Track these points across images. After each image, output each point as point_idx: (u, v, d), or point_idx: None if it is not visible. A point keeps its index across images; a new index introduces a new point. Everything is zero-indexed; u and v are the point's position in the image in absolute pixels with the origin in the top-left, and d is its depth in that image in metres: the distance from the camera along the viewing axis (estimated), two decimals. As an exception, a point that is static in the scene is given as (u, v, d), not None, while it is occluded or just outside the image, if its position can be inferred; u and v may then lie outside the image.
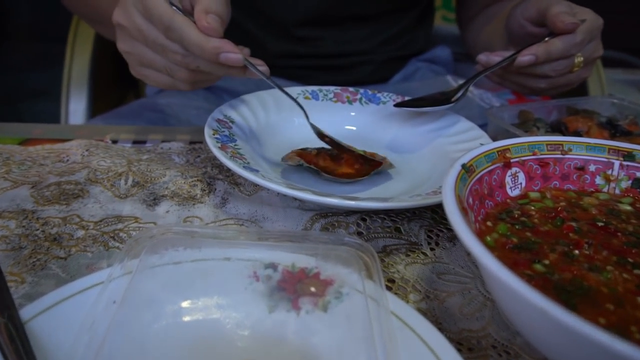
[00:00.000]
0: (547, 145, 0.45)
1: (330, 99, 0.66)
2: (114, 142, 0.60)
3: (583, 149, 0.45)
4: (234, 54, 0.48)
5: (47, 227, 0.44)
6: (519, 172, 0.44)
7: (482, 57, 0.61)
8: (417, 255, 0.44)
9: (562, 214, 0.41)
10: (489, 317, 0.38)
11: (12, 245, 0.41)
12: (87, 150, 0.56)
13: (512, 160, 0.44)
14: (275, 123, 0.61)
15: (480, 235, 0.38)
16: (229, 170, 0.54)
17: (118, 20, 0.51)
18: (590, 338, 0.23)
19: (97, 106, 1.06)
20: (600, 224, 0.39)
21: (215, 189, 0.51)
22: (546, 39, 0.59)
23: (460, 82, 0.99)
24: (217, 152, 0.47)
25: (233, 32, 0.90)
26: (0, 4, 1.85)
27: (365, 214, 0.49)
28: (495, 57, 0.60)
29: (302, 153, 0.55)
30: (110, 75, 1.22)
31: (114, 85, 1.26)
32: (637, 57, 1.71)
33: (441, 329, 0.37)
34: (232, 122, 0.56)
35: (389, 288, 0.40)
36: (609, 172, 0.45)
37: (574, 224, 0.39)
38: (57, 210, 0.46)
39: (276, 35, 0.86)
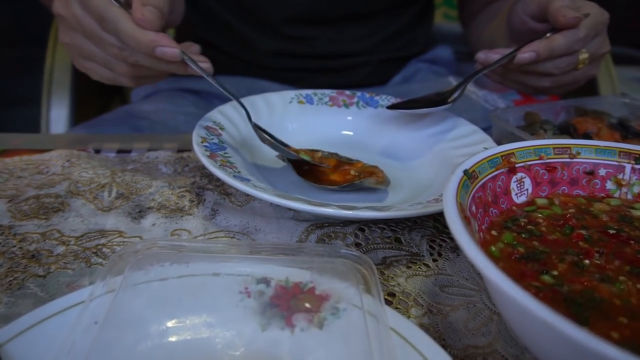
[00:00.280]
0: (554, 148, 0.45)
1: (326, 102, 0.66)
2: (97, 151, 0.60)
3: (592, 152, 0.45)
4: (171, 48, 0.49)
5: (24, 244, 0.44)
6: (524, 177, 0.44)
7: (481, 55, 0.61)
8: (419, 267, 0.44)
9: (571, 221, 0.41)
10: (496, 332, 0.38)
11: (-12, 263, 0.41)
12: (68, 161, 0.56)
13: (517, 165, 0.44)
14: (268, 129, 0.61)
15: (485, 245, 0.38)
16: (218, 180, 0.54)
17: (58, 11, 0.52)
18: (603, 355, 0.23)
19: (80, 113, 1.06)
20: (611, 231, 0.39)
21: (205, 200, 0.51)
22: (548, 34, 0.59)
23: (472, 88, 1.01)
24: (205, 161, 0.47)
25: (220, 29, 0.91)
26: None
27: (363, 224, 0.49)
28: (494, 55, 0.60)
29: (299, 151, 0.55)
30: (94, 80, 1.23)
31: (98, 91, 1.26)
32: (650, 54, 1.73)
33: (445, 345, 0.36)
34: (222, 128, 0.56)
35: (389, 302, 0.40)
36: (620, 176, 0.45)
37: (584, 231, 0.39)
38: (35, 225, 0.46)
39: (265, 33, 0.86)
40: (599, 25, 0.60)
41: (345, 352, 0.32)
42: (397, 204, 0.49)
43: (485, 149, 0.54)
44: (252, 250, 0.40)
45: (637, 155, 0.45)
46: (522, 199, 0.44)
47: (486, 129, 0.63)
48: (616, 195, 0.45)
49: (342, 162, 0.54)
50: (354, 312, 0.34)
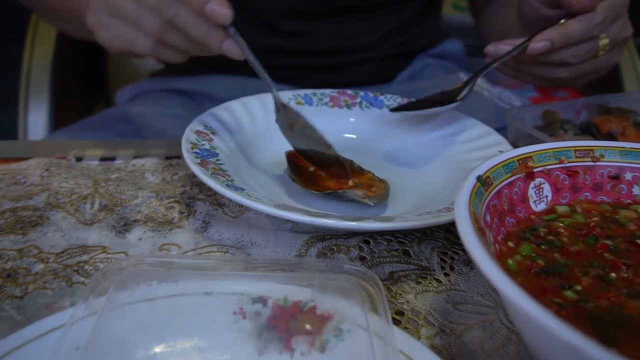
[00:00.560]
0: (575, 151, 0.45)
1: (326, 103, 0.66)
2: (79, 159, 0.60)
3: (617, 155, 0.45)
4: (223, 8, 0.48)
5: (0, 262, 0.43)
6: (543, 183, 0.44)
7: (490, 48, 0.61)
8: (430, 283, 0.44)
9: (595, 230, 0.40)
10: (515, 354, 0.37)
11: (-40, 283, 0.41)
12: (47, 170, 0.55)
13: (535, 170, 0.43)
14: (264, 132, 0.61)
15: (501, 258, 0.38)
16: (210, 189, 0.54)
17: None
18: (631, 379, 0.23)
19: (61, 117, 1.06)
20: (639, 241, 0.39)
21: (196, 211, 0.51)
22: (562, 21, 0.59)
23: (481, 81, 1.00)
24: (196, 169, 0.47)
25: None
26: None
27: (368, 236, 0.48)
28: (505, 46, 0.60)
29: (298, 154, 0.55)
30: (76, 81, 1.23)
31: (80, 93, 1.27)
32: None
33: (459, 368, 0.36)
34: (214, 133, 0.56)
35: (397, 322, 0.40)
36: (648, 180, 0.45)
37: (609, 242, 0.39)
38: (11, 241, 0.46)
39: (260, 28, 0.86)
40: (619, 7, 0.60)
41: (349, 378, 0.32)
42: (404, 214, 0.49)
43: (500, 152, 0.54)
44: (247, 266, 0.40)
45: (667, 158, 0.45)
46: (541, 206, 0.43)
47: (500, 130, 0.63)
48: (644, 201, 0.45)
49: (352, 171, 0.54)
50: (359, 333, 0.34)
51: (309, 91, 0.66)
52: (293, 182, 0.52)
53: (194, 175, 0.55)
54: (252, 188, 0.50)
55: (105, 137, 0.79)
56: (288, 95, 0.65)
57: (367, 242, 0.48)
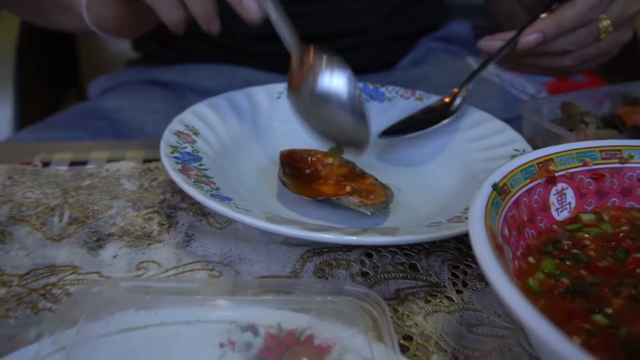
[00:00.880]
0: (601, 152, 0.44)
1: (321, 96, 0.64)
2: (45, 164, 0.58)
3: (648, 155, 0.44)
4: None
5: (-43, 285, 0.42)
6: (566, 188, 0.42)
7: (482, 44, 0.60)
8: (440, 301, 0.42)
9: (625, 242, 0.39)
10: (537, 384, 0.36)
11: None
12: (9, 179, 0.54)
13: (557, 174, 0.42)
14: (253, 131, 0.59)
15: (521, 276, 0.36)
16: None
17: None
18: None
19: (27, 112, 1.04)
20: (676, 254, 0.38)
21: (177, 223, 0.50)
22: (553, 6, 0.58)
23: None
24: (176, 177, 0.45)
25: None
26: None
27: (371, 248, 0.47)
28: (495, 43, 0.59)
29: (296, 153, 0.54)
30: (43, 71, 1.21)
31: (49, 85, 1.25)
32: None
33: (475, 402, 0.35)
34: (196, 133, 0.54)
35: (405, 348, 0.38)
36: (684, 183, 0.43)
37: (641, 255, 0.38)
38: (-30, 261, 0.44)
39: None
40: None
41: (353, 419, 0.31)
42: (409, 224, 0.47)
43: (516, 151, 0.53)
44: (236, 289, 0.38)
45: None
46: (563, 215, 0.42)
47: (514, 120, 0.61)
48: (679, 207, 0.43)
49: (352, 174, 0.53)
50: (363, 367, 0.33)
51: (302, 83, 0.64)
52: (284, 186, 0.50)
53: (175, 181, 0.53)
54: (241, 196, 0.49)
55: (76, 136, 0.77)
56: (278, 89, 0.63)
57: (369, 255, 0.47)
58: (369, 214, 0.47)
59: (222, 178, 0.50)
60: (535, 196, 0.41)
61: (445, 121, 0.57)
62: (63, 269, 0.44)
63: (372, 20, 0.90)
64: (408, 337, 0.39)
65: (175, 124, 0.54)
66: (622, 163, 0.43)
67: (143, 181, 0.56)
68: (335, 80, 0.52)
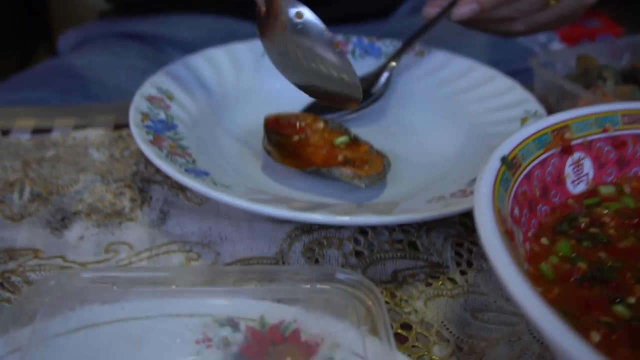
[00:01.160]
0: (622, 116, 0.41)
1: (311, 52, 0.61)
2: (5, 133, 0.56)
3: (675, 118, 0.41)
4: None
5: None
6: (584, 158, 0.40)
7: (426, 10, 0.59)
8: (442, 284, 0.41)
9: (650, 218, 0.37)
10: (550, 378, 0.34)
11: None
12: (-36, 150, 0.51)
13: (573, 143, 0.39)
14: (234, 94, 0.57)
15: (533, 261, 0.34)
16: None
17: None
18: None
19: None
20: None
21: (151, 198, 0.47)
22: None
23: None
24: (147, 150, 0.43)
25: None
26: None
27: (365, 225, 0.45)
28: (433, 10, 0.58)
29: (283, 118, 0.52)
30: (10, 23, 1.16)
31: (17, 38, 1.20)
32: None
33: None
34: (170, 98, 0.51)
35: (403, 339, 0.37)
36: None
37: (667, 234, 0.36)
38: None
39: None
40: None
41: None
42: (409, 198, 0.45)
43: (527, 113, 0.50)
44: (214, 277, 0.36)
45: None
46: (580, 187, 0.40)
47: (523, 72, 0.58)
48: None
49: (350, 141, 0.50)
50: (355, 366, 0.31)
51: (289, 38, 0.61)
52: (269, 155, 0.48)
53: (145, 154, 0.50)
54: (221, 168, 0.46)
55: (43, 98, 0.74)
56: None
57: (364, 233, 0.44)
58: (364, 186, 0.45)
59: (199, 148, 0.47)
60: (549, 168, 0.38)
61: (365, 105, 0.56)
62: (23, 253, 0.42)
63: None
64: (406, 326, 0.37)
65: (147, 88, 0.51)
66: (647, 128, 0.41)
67: (114, 150, 0.53)
68: (307, 17, 0.48)
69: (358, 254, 0.43)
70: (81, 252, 0.42)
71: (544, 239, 0.36)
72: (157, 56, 0.85)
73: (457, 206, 0.39)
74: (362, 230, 0.45)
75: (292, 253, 0.43)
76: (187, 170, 0.41)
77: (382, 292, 0.39)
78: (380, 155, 0.48)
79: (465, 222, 0.46)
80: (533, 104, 0.51)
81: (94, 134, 0.55)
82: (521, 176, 0.36)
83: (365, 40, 0.62)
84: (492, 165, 0.34)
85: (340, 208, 0.40)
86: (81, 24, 0.96)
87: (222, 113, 0.54)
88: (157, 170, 0.50)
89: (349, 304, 0.34)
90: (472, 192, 0.41)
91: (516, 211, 0.35)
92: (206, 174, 0.42)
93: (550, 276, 0.33)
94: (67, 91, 0.77)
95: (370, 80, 0.57)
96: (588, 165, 0.40)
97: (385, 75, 0.57)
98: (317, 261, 0.42)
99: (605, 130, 0.40)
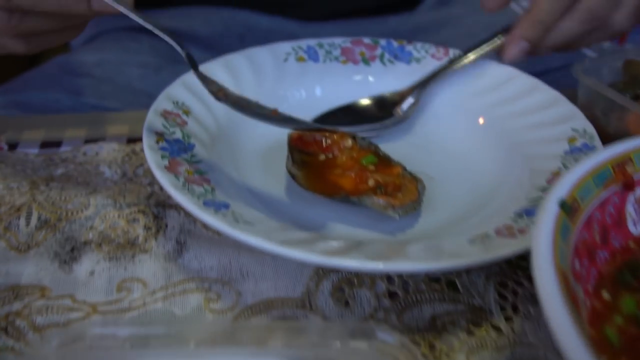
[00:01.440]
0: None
1: (336, 58, 0.57)
2: (12, 146, 0.52)
3: None
4: None
5: None
6: (646, 195, 0.36)
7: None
8: (486, 332, 0.37)
9: None
10: None
11: None
12: (-33, 169, 0.48)
13: (635, 177, 0.35)
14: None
15: (595, 323, 0.30)
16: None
17: None
18: None
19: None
20: None
21: (167, 226, 0.44)
22: None
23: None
24: (163, 179, 0.39)
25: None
26: None
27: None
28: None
29: (308, 135, 0.48)
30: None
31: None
32: None
33: None
34: (187, 112, 0.48)
35: (445, 400, 0.33)
36: None
37: None
38: None
39: None
40: None
41: None
42: (447, 231, 0.41)
43: (574, 131, 0.46)
44: (236, 332, 0.32)
45: None
46: (642, 228, 0.36)
47: (543, 74, 0.54)
48: None
49: (380, 161, 0.46)
50: None
51: (313, 42, 0.57)
52: (293, 180, 0.44)
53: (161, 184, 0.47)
54: (241, 196, 0.42)
55: (54, 98, 0.71)
56: (285, 49, 0.56)
57: (397, 268, 0.41)
58: (397, 217, 0.41)
59: (218, 172, 0.44)
60: (609, 208, 0.34)
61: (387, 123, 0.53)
62: (29, 291, 0.39)
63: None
64: (448, 384, 0.34)
65: (162, 102, 0.47)
66: None
67: (127, 168, 0.49)
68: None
69: (392, 294, 0.39)
70: (91, 290, 0.39)
71: (605, 293, 0.32)
72: (170, 52, 0.81)
73: (505, 249, 0.35)
74: (396, 265, 0.41)
75: (320, 293, 0.39)
76: (205, 204, 0.38)
77: (420, 343, 0.36)
78: (415, 180, 0.44)
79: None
80: (580, 121, 0.47)
81: (106, 149, 0.51)
82: (581, 222, 0.32)
83: (395, 44, 0.57)
84: (550, 213, 0.30)
85: (375, 249, 0.36)
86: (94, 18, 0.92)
87: (241, 127, 0.50)
88: (173, 193, 0.47)
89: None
90: (520, 232, 0.37)
91: (577, 265, 0.31)
92: (226, 206, 0.38)
93: (616, 342, 0.29)
94: (78, 92, 0.73)
95: (397, 99, 0.54)
96: (652, 203, 0.36)
97: (405, 104, 0.54)
98: (347, 303, 0.38)
99: (671, 163, 0.36)
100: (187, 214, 0.45)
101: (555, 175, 0.43)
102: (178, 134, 0.45)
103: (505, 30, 0.53)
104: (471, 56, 0.54)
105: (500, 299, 0.39)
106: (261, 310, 0.38)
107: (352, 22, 0.81)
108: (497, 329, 0.37)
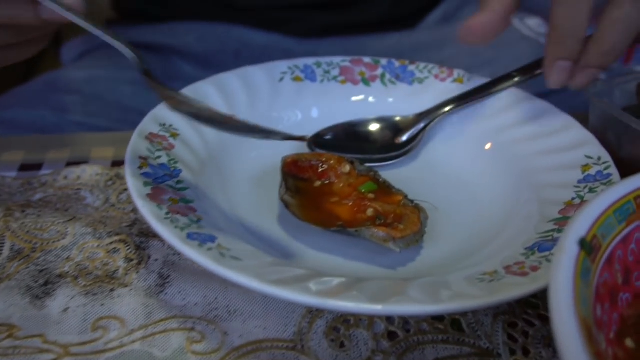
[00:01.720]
0: None
1: (335, 77, 0.54)
2: (-11, 169, 0.49)
3: None
4: None
5: None
6: (671, 230, 0.33)
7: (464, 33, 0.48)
8: (495, 379, 0.34)
9: None
10: None
11: None
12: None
13: (658, 211, 0.32)
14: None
15: (619, 376, 0.27)
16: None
17: None
18: None
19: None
20: None
21: (149, 257, 0.41)
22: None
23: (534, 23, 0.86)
24: (143, 208, 0.36)
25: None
26: None
27: (400, 296, 0.38)
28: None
29: (303, 160, 0.46)
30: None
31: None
32: None
33: None
34: (175, 135, 0.45)
35: None
36: None
37: None
38: None
39: None
40: None
41: None
42: (452, 265, 0.38)
43: (588, 158, 0.43)
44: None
45: None
46: (667, 268, 0.32)
47: (559, 92, 0.51)
48: None
49: (380, 189, 0.43)
50: None
51: (310, 61, 0.54)
52: (286, 209, 0.41)
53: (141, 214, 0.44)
54: (230, 227, 0.39)
55: (40, 115, 0.69)
56: (281, 69, 0.53)
57: (398, 306, 0.37)
58: (398, 250, 0.38)
59: (206, 201, 0.41)
60: (632, 245, 0.31)
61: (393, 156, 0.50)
62: (-3, 330, 0.36)
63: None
64: None
65: (147, 124, 0.44)
66: None
67: (109, 194, 0.46)
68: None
69: (391, 335, 0.36)
70: (64, 328, 0.36)
71: (629, 341, 0.29)
72: (164, 69, 0.79)
73: (517, 290, 0.32)
74: (396, 302, 0.38)
75: (314, 334, 0.36)
76: (189, 236, 0.34)
77: (422, 392, 0.33)
78: (417, 210, 0.41)
79: (517, 291, 0.39)
80: (595, 147, 0.44)
81: (88, 173, 0.48)
82: (602, 262, 0.29)
83: (397, 64, 0.55)
84: (570, 254, 0.27)
85: (374, 288, 0.33)
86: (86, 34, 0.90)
87: (233, 151, 0.47)
88: (158, 221, 0.43)
89: None
90: (532, 270, 0.34)
91: (598, 310, 0.28)
92: (212, 239, 0.35)
93: (642, 399, 0.26)
94: (64, 109, 0.71)
95: (402, 126, 0.51)
96: (676, 240, 0.33)
97: (407, 135, 0.51)
98: (342, 345, 0.35)
99: (696, 195, 0.33)
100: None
101: (568, 206, 0.40)
102: (164, 159, 0.42)
103: (524, 69, 0.50)
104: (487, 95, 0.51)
105: (510, 341, 0.36)
106: (249, 353, 0.35)
107: (350, 38, 0.79)
108: (507, 375, 0.34)
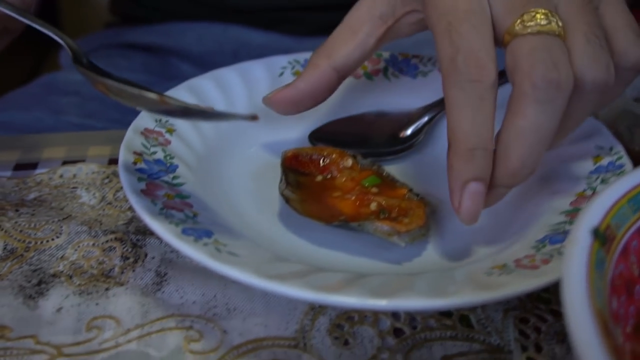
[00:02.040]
0: None
1: (336, 72, 0.53)
2: (-16, 168, 0.48)
3: None
4: None
5: None
6: (687, 220, 0.31)
7: None
8: (506, 377, 0.32)
9: None
10: None
11: None
12: None
13: (674, 199, 0.31)
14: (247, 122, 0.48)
15: (637, 372, 0.26)
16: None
17: None
18: None
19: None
20: None
21: (146, 256, 0.40)
22: None
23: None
24: (137, 204, 0.35)
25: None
26: None
27: (405, 292, 0.37)
28: None
29: (304, 154, 0.44)
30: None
31: (26, 47, 1.14)
32: None
33: None
34: (172, 131, 0.44)
35: None
36: None
37: None
38: None
39: None
40: None
41: None
42: (458, 258, 0.37)
43: (599, 149, 0.42)
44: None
45: None
46: (684, 258, 0.31)
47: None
48: None
49: (384, 182, 0.42)
50: None
51: (310, 55, 0.53)
52: (287, 203, 0.40)
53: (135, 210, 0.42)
54: (227, 222, 0.38)
55: (36, 117, 0.67)
56: (281, 63, 0.52)
57: (403, 303, 0.36)
58: (404, 245, 0.37)
59: (203, 196, 0.39)
60: (647, 236, 0.30)
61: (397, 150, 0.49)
62: (-12, 331, 0.34)
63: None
64: None
65: (142, 119, 0.43)
66: None
67: (106, 192, 0.45)
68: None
69: (397, 331, 0.35)
70: (58, 329, 0.35)
71: (645, 335, 0.27)
72: (163, 69, 0.78)
73: (527, 283, 0.31)
74: (402, 298, 0.36)
75: (316, 332, 0.34)
76: (184, 232, 0.33)
77: (430, 391, 0.31)
78: (422, 202, 0.40)
79: (527, 287, 0.37)
80: (606, 138, 0.43)
81: (85, 171, 0.47)
82: (617, 252, 0.28)
83: (399, 57, 0.53)
84: (582, 244, 0.26)
85: (378, 283, 0.31)
86: (97, 29, 0.89)
87: (231, 145, 0.46)
88: (155, 218, 0.42)
89: None
90: (543, 263, 0.33)
91: (614, 303, 0.26)
92: (209, 234, 0.34)
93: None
94: (61, 110, 0.70)
95: (402, 124, 0.49)
96: (693, 229, 0.31)
97: (410, 129, 0.49)
98: (346, 342, 0.34)
99: None
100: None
101: (579, 197, 0.39)
102: (159, 154, 0.41)
103: None
104: None
105: (521, 337, 0.34)
106: (249, 351, 0.34)
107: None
108: (519, 373, 0.33)
